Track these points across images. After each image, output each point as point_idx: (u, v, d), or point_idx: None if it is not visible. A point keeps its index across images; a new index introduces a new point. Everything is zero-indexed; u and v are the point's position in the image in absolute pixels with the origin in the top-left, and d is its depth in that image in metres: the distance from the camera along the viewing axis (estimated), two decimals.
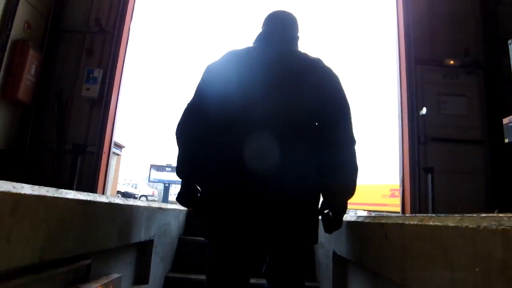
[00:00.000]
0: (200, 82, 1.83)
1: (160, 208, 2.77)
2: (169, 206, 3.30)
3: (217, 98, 1.69)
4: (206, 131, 1.69)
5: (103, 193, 6.17)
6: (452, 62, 6.89)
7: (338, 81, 1.81)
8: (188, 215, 4.23)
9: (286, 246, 1.66)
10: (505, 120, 5.10)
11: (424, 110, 6.36)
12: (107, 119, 6.17)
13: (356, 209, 30.52)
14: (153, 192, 29.74)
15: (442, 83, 6.89)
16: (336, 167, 1.65)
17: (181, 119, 1.77)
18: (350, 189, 1.68)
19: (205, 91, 1.77)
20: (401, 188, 6.61)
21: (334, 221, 1.72)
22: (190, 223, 4.16)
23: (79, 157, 5.69)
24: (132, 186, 29.65)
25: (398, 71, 7.03)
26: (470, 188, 6.54)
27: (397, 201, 25.74)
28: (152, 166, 52.36)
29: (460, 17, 7.18)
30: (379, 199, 28.78)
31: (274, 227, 1.58)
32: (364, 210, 32.03)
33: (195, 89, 1.80)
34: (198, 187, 1.82)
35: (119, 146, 25.92)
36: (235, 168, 1.58)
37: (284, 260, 1.76)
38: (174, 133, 1.78)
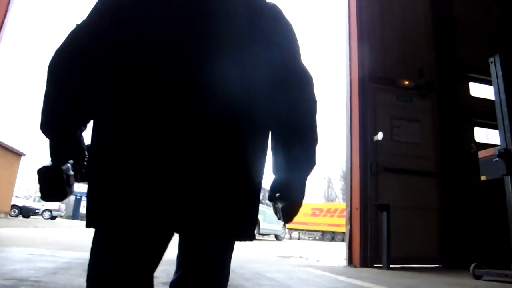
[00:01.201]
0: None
1: None
2: None
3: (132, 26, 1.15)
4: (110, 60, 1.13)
5: None
6: (406, 82, 6.02)
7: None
8: None
9: (215, 233, 1.13)
10: (481, 154, 4.20)
11: (380, 135, 5.32)
12: None
13: None
14: (60, 206, 26.00)
15: (395, 105, 5.96)
16: (295, 129, 1.23)
17: (66, 42, 1.17)
18: (313, 158, 1.25)
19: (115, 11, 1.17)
20: (348, 225, 5.47)
21: (292, 204, 1.24)
22: None
23: None
24: (33, 200, 25.61)
25: (349, 89, 5.96)
26: (423, 225, 5.61)
27: (317, 220, 26.07)
28: None
29: (413, 35, 6.39)
30: (300, 217, 29.05)
31: (202, 207, 1.08)
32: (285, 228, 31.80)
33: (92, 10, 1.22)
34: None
35: (18, 154, 22.39)
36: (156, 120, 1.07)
37: (207, 250, 1.20)
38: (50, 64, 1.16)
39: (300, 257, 7.39)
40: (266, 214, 18.83)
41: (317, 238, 31.21)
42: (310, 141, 1.26)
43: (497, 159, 3.82)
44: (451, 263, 5.59)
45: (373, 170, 5.45)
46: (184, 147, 1.08)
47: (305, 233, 32.65)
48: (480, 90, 6.54)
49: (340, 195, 42.19)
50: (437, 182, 5.84)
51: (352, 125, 5.77)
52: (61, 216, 26.59)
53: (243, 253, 7.25)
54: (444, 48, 6.47)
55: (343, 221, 24.98)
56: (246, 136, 1.18)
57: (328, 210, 30.98)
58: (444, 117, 6.12)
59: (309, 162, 1.26)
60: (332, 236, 29.46)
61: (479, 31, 6.66)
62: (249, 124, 1.18)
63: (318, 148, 1.27)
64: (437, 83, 6.25)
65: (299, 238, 31.08)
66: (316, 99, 1.31)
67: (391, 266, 4.87)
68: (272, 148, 1.28)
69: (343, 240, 29.11)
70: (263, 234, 20.31)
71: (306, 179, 1.27)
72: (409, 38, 6.33)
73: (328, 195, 43.91)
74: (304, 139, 1.26)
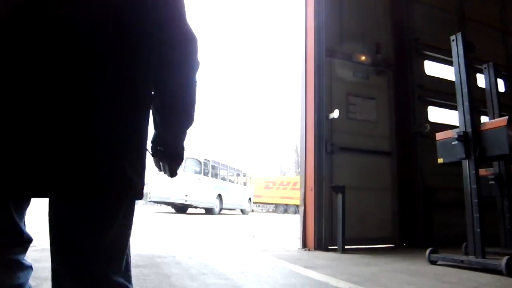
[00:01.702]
0: None
1: None
2: None
3: None
4: None
5: None
6: (363, 58, 5.74)
7: None
8: None
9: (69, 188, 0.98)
10: (439, 136, 4.01)
11: (336, 113, 5.03)
12: None
13: None
14: None
15: (352, 81, 5.69)
16: (174, 90, 1.22)
17: None
18: (191, 118, 1.27)
19: None
20: (303, 207, 5.22)
21: (171, 158, 1.30)
22: None
23: None
24: None
25: (304, 63, 5.58)
26: (377, 206, 5.49)
27: (271, 193, 27.18)
28: None
29: (371, 10, 6.07)
30: (253, 190, 29.49)
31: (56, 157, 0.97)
32: None
33: None
34: None
35: None
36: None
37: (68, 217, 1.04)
38: None
39: (253, 236, 7.13)
40: (228, 190, 19.20)
41: (270, 210, 31.65)
42: (188, 102, 1.27)
43: (456, 142, 3.63)
44: (402, 243, 5.56)
45: (328, 149, 5.19)
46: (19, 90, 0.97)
47: (259, 206, 33.05)
48: (433, 69, 6.43)
49: (293, 167, 42.77)
50: (391, 162, 5.71)
51: (307, 101, 5.44)
52: None
53: (196, 234, 6.87)
54: (401, 24, 6.24)
55: (295, 194, 25.98)
56: (105, 87, 1.06)
57: (281, 183, 31.38)
58: (399, 95, 5.95)
59: (187, 121, 1.28)
60: (285, 208, 30.04)
61: (436, 8, 6.50)
62: (108, 75, 1.07)
63: (196, 108, 1.29)
64: (394, 60, 6.04)
65: (252, 211, 31.37)
66: (199, 61, 1.29)
67: (345, 247, 4.71)
68: (152, 105, 1.25)
69: (295, 212, 29.90)
70: (227, 209, 20.50)
71: (184, 135, 1.32)
72: (367, 13, 6.02)
73: (281, 167, 44.37)
74: (183, 100, 1.26)
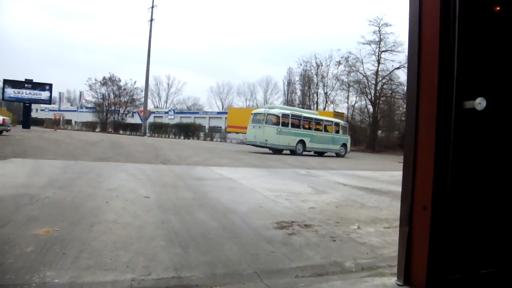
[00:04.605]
0: None
1: None
2: None
3: None
4: None
5: None
6: (497, 8, 3.73)
7: None
8: None
9: None
10: None
11: (480, 103, 3.18)
12: None
13: None
14: (4, 120, 22.00)
15: (486, 47, 3.71)
16: None
17: None
18: None
19: None
20: (407, 228, 3.58)
21: None
22: None
23: None
24: None
25: (418, 22, 3.54)
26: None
27: None
28: (6, 82, 42.52)
29: None
30: None
31: None
32: None
33: None
34: None
35: None
36: None
37: None
38: None
39: (305, 225, 5.59)
40: (313, 137, 25.36)
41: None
42: None
43: None
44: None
45: (454, 151, 3.41)
46: None
47: None
48: None
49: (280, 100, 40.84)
50: None
51: (421, 80, 3.52)
52: (6, 131, 23.03)
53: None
54: None
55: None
56: None
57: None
58: None
59: None
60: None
61: None
62: None
63: None
64: None
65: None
66: None
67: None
68: None
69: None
70: (316, 152, 27.32)
71: None
72: None
73: (288, 99, 42.43)
74: None
